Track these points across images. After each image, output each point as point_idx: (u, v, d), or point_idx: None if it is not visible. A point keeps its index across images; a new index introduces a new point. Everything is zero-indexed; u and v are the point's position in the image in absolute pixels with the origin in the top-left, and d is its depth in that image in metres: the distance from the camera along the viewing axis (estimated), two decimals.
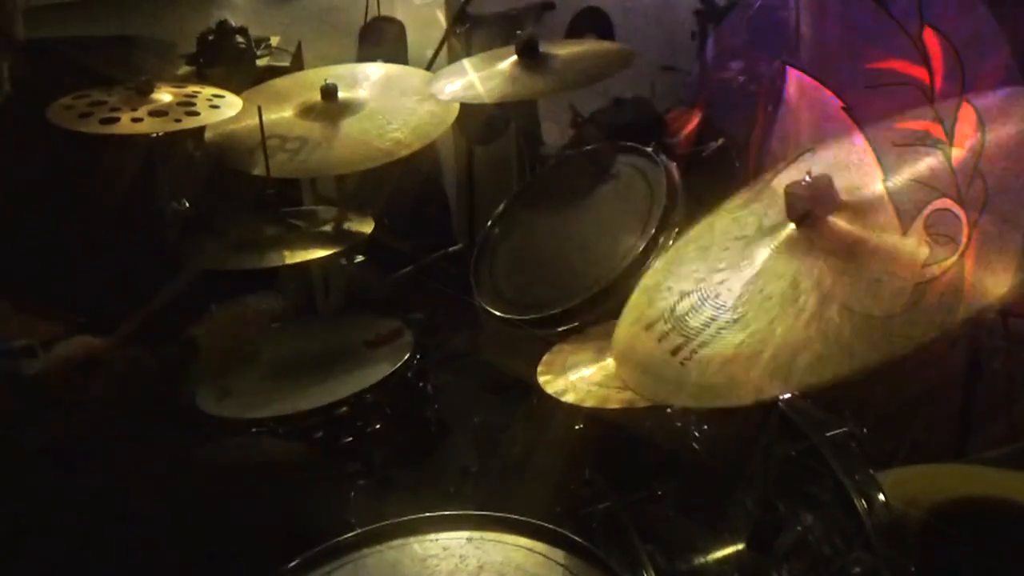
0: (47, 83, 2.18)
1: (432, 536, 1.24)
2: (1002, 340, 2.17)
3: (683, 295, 1.20)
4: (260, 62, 2.70)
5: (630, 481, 1.48)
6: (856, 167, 1.21)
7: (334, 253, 2.01)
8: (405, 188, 2.81)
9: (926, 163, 1.10)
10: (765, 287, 1.11)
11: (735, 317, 1.10)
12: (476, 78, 2.19)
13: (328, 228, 2.10)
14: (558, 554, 1.19)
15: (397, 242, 2.62)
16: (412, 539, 1.24)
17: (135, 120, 1.95)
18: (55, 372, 1.48)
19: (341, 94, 2.20)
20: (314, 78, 2.30)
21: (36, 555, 1.35)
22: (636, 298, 1.32)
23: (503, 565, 1.18)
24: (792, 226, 1.15)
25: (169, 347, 1.55)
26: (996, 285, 0.92)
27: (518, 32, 2.87)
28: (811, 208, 1.12)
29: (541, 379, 1.57)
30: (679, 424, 1.55)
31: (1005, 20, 1.95)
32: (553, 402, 1.51)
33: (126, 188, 2.23)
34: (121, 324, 1.70)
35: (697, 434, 1.55)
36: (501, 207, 2.29)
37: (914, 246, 1.00)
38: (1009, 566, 1.39)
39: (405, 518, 1.27)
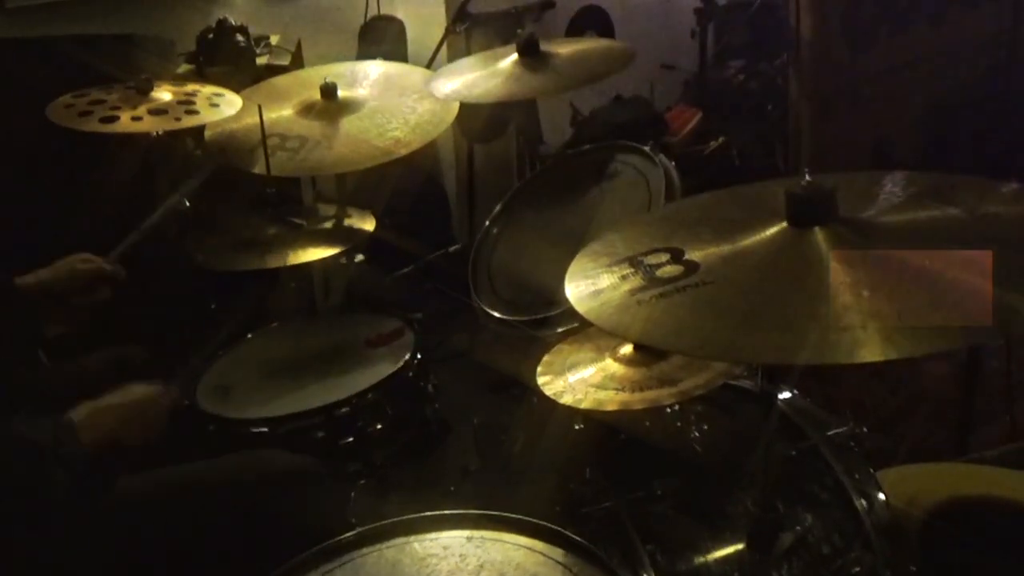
0: (47, 82, 2.18)
1: (432, 535, 1.24)
2: (1002, 339, 2.17)
3: (656, 250, 1.23)
4: (260, 60, 2.70)
5: (630, 480, 1.48)
6: None
7: (335, 253, 2.00)
8: (405, 187, 2.81)
9: None
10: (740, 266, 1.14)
11: (704, 281, 1.12)
12: (476, 77, 2.19)
13: (328, 227, 2.10)
14: (558, 553, 1.19)
15: (397, 241, 2.62)
16: (412, 538, 1.24)
17: (135, 119, 1.95)
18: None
19: (341, 93, 2.20)
20: (314, 76, 2.29)
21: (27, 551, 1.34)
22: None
23: (503, 564, 1.18)
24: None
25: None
26: None
27: (518, 30, 2.88)
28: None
29: (540, 380, 1.57)
30: (679, 424, 1.55)
31: None
32: (553, 402, 1.51)
33: (125, 187, 2.23)
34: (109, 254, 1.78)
35: (697, 434, 1.55)
36: (499, 206, 2.29)
37: None
38: (1009, 566, 1.39)
39: (405, 517, 1.27)
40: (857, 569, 1.36)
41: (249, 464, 1.60)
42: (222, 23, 2.61)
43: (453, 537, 1.23)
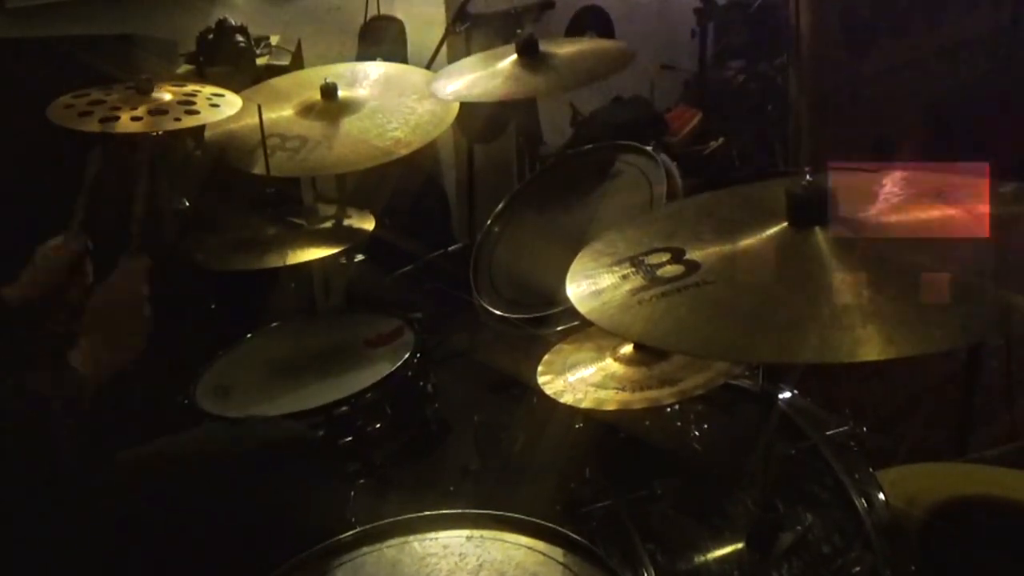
0: (47, 82, 2.18)
1: (432, 535, 1.24)
2: (1002, 339, 2.17)
3: (657, 249, 1.23)
4: (260, 61, 2.70)
5: (630, 480, 1.48)
6: None
7: (335, 253, 2.00)
8: (405, 187, 2.82)
9: None
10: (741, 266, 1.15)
11: (705, 281, 1.12)
12: (476, 77, 2.19)
13: (328, 227, 2.10)
14: (558, 552, 1.19)
15: (397, 241, 2.62)
16: (412, 538, 1.25)
17: (135, 119, 1.95)
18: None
19: (341, 93, 2.20)
20: (314, 77, 2.29)
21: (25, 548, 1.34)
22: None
23: (503, 563, 1.18)
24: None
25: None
26: None
27: (518, 31, 2.88)
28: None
29: (541, 380, 1.57)
30: (679, 424, 1.55)
31: None
32: (553, 401, 1.51)
33: (126, 187, 2.23)
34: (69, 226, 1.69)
35: (697, 434, 1.55)
36: (500, 206, 2.29)
37: None
38: (1009, 566, 1.39)
39: (404, 517, 1.27)
40: (857, 569, 1.36)
41: (246, 433, 1.62)
42: (222, 23, 2.61)
43: (453, 536, 1.24)
